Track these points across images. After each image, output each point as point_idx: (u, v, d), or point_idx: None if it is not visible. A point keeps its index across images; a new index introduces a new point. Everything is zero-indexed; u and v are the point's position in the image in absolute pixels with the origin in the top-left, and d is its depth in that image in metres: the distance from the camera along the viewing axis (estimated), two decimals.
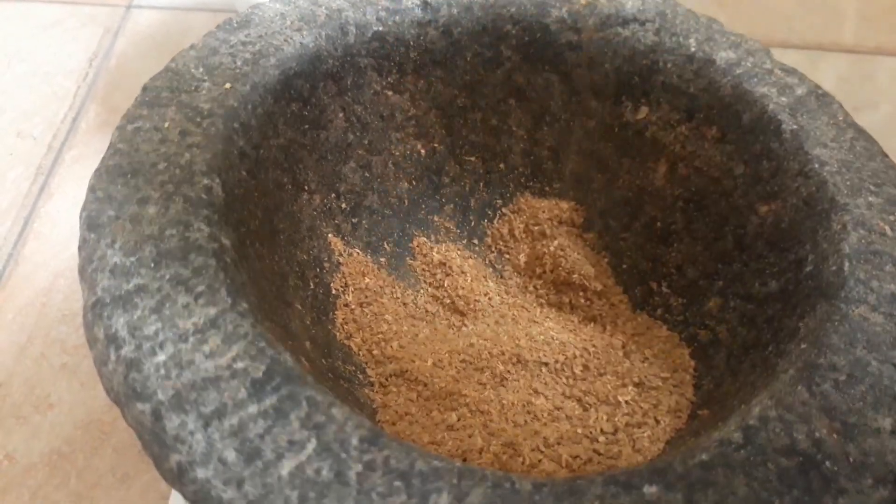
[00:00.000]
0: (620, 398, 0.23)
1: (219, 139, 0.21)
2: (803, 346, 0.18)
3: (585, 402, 0.23)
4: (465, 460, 0.20)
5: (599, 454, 0.21)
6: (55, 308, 0.33)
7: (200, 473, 0.15)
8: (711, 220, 0.26)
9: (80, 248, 0.19)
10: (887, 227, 0.21)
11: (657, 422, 0.22)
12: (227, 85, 0.22)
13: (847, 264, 0.20)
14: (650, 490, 0.15)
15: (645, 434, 0.21)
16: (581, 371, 0.24)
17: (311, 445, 0.15)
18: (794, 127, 0.23)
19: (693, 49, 0.26)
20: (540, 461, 0.20)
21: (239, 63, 0.23)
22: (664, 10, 0.27)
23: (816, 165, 0.22)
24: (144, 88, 0.22)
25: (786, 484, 0.16)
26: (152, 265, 0.18)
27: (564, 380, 0.24)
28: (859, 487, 0.16)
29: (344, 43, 0.25)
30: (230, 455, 0.15)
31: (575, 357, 0.25)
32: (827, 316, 0.19)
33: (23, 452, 0.29)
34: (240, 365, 0.16)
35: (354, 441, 0.15)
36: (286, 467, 0.15)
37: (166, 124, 0.21)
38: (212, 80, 0.22)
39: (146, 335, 0.17)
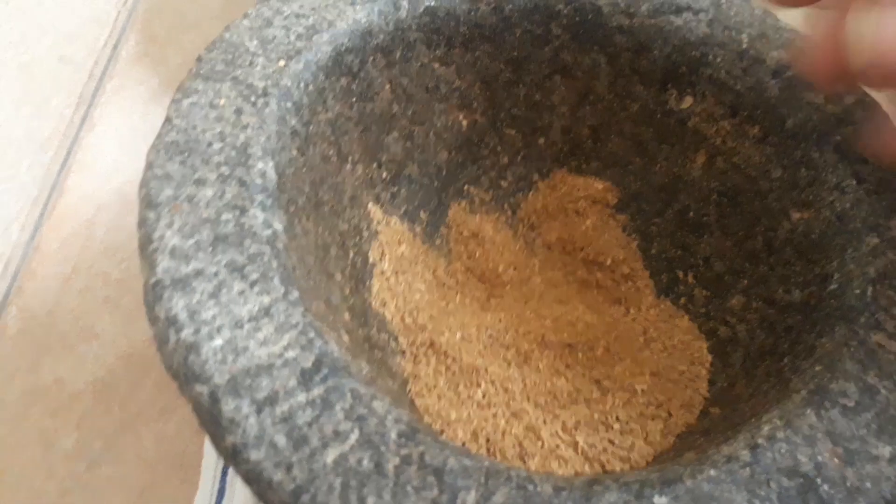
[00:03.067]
0: (637, 386, 0.24)
1: (272, 119, 0.21)
2: (818, 367, 0.19)
3: (604, 385, 0.25)
4: (488, 440, 0.22)
5: (613, 444, 0.22)
6: (98, 241, 0.35)
7: (253, 455, 0.16)
8: (744, 217, 0.26)
9: (139, 225, 0.20)
10: None
11: (669, 415, 0.23)
12: (281, 62, 0.23)
13: (871, 289, 0.20)
14: (660, 500, 0.17)
15: (658, 427, 0.23)
16: (602, 354, 0.26)
17: (354, 436, 0.17)
18: (838, 139, 0.24)
19: (745, 45, 0.26)
20: (558, 446, 0.22)
21: (292, 38, 0.23)
22: None
23: (854, 182, 0.23)
24: (199, 59, 0.23)
25: (784, 503, 0.17)
26: (209, 249, 0.19)
27: (586, 361, 0.26)
28: None
29: (396, 17, 0.25)
30: (280, 440, 0.17)
31: (598, 339, 0.26)
32: (844, 340, 0.20)
33: (70, 379, 0.31)
34: (290, 354, 0.18)
35: (393, 435, 0.17)
36: (331, 455, 0.16)
37: (221, 101, 0.22)
38: (266, 56, 0.23)
39: (204, 319, 0.18)
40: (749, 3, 0.27)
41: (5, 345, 0.31)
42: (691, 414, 0.23)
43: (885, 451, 0.18)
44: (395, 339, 0.25)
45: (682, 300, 0.27)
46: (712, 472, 0.17)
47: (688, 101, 0.27)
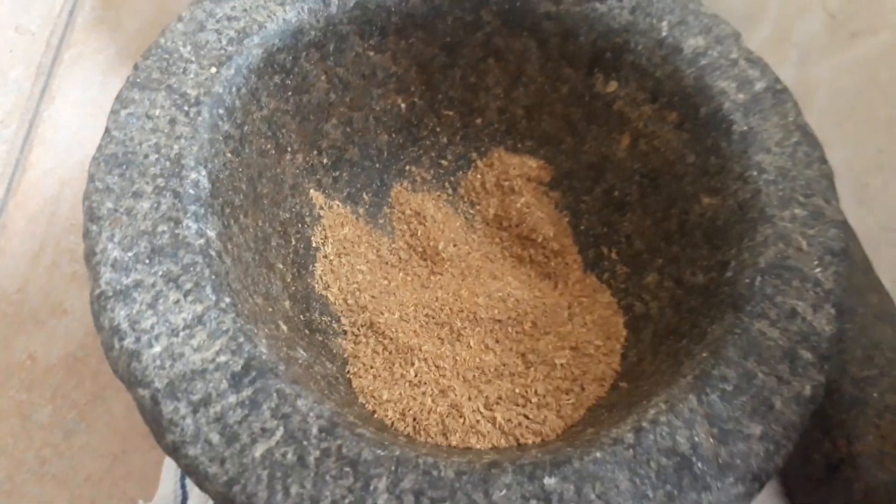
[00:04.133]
0: (557, 360, 0.26)
1: (205, 128, 0.23)
2: (704, 354, 0.22)
3: (528, 359, 0.27)
4: (414, 419, 0.24)
5: (528, 419, 0.25)
6: (63, 217, 0.36)
7: (190, 451, 0.19)
8: (662, 198, 0.28)
9: (84, 237, 0.21)
10: (804, 242, 0.23)
11: (582, 389, 0.25)
12: (213, 69, 0.24)
13: (759, 279, 0.22)
14: (549, 481, 0.19)
15: (570, 401, 0.25)
16: (530, 328, 0.28)
17: (279, 433, 0.19)
18: (744, 128, 0.25)
19: (664, 33, 0.27)
20: (478, 422, 0.24)
21: (224, 42, 0.24)
22: None
23: (755, 172, 0.24)
24: (136, 67, 0.24)
25: (661, 480, 0.19)
26: (147, 261, 0.21)
27: (514, 336, 0.28)
28: (721, 485, 0.19)
29: (326, 14, 0.26)
30: (214, 437, 0.19)
31: (526, 314, 0.28)
32: (731, 328, 0.22)
33: (42, 354, 0.33)
34: (222, 359, 0.20)
35: (314, 431, 0.19)
36: (259, 450, 0.19)
37: (157, 111, 0.23)
38: (198, 62, 0.24)
39: (143, 328, 0.20)
40: None
41: None
42: (602, 387, 0.25)
43: (756, 429, 0.20)
44: (338, 320, 0.27)
45: (606, 276, 0.29)
46: (598, 455, 0.20)
47: (613, 86, 0.28)
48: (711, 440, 0.20)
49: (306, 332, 0.25)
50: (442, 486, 0.19)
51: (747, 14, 0.45)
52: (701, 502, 0.19)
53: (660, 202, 0.28)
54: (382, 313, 0.27)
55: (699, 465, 0.20)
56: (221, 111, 0.23)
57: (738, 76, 0.26)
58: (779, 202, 0.24)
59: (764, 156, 0.25)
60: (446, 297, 0.28)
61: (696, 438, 0.20)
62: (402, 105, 0.30)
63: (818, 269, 0.23)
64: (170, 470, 0.30)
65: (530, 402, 0.25)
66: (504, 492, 0.19)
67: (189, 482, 0.30)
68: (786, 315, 0.22)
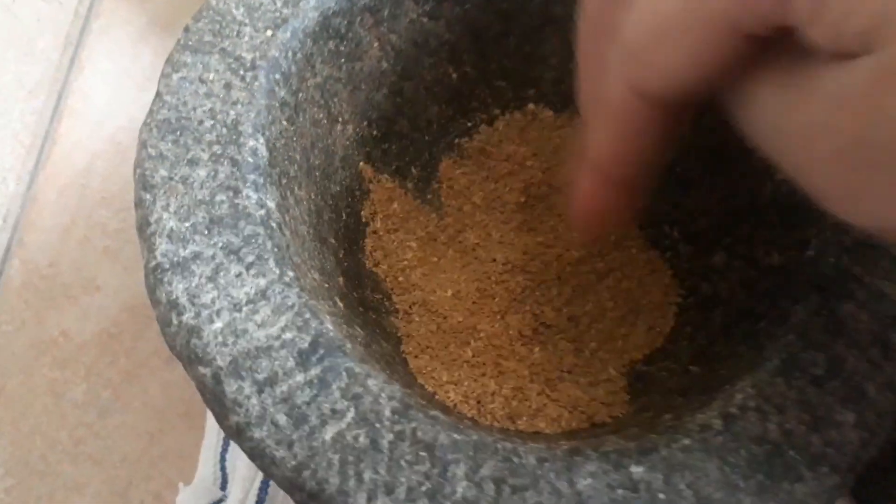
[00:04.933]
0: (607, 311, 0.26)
1: (262, 94, 0.22)
2: (790, 336, 0.20)
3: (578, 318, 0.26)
4: (479, 402, 0.23)
5: (595, 390, 0.24)
6: (95, 190, 0.35)
7: (256, 434, 0.18)
8: (729, 175, 0.26)
9: (136, 206, 0.20)
10: None
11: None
12: (269, 32, 0.22)
13: (845, 258, 0.21)
14: (636, 470, 0.18)
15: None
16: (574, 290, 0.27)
17: (351, 414, 0.18)
18: None
19: None
20: (545, 405, 0.23)
21: (279, 4, 0.23)
22: None
23: None
24: (186, 29, 0.22)
25: (753, 469, 0.18)
26: (206, 232, 0.19)
27: (563, 296, 0.27)
28: (815, 475, 0.18)
29: None
30: (281, 419, 0.18)
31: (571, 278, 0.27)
32: (817, 310, 0.21)
33: (76, 331, 0.32)
34: (288, 336, 0.19)
35: (387, 413, 0.18)
36: (329, 433, 0.18)
37: (211, 76, 0.22)
38: (252, 25, 0.23)
39: (203, 303, 0.19)
40: None
41: (10, 297, 0.32)
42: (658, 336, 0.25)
43: (850, 417, 0.19)
44: (389, 297, 0.26)
45: (668, 254, 0.28)
46: (686, 441, 0.18)
47: None
48: (803, 427, 0.19)
49: (360, 309, 0.24)
50: (524, 474, 0.18)
51: None
52: (794, 493, 0.18)
53: (727, 179, 0.26)
54: (435, 291, 0.26)
55: (791, 453, 0.19)
56: (278, 76, 0.22)
57: None
58: None
59: None
60: (497, 266, 0.27)
61: (788, 425, 0.19)
62: (454, 75, 0.29)
63: None
64: (209, 451, 0.29)
65: (585, 354, 0.24)
66: (589, 480, 0.18)
67: (229, 464, 0.29)
68: (874, 297, 0.21)
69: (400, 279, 0.27)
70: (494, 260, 0.28)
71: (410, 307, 0.26)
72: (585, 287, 0.28)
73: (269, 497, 0.27)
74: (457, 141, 0.30)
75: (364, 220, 0.27)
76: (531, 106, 0.30)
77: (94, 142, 0.36)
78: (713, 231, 0.27)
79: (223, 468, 0.29)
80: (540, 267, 0.28)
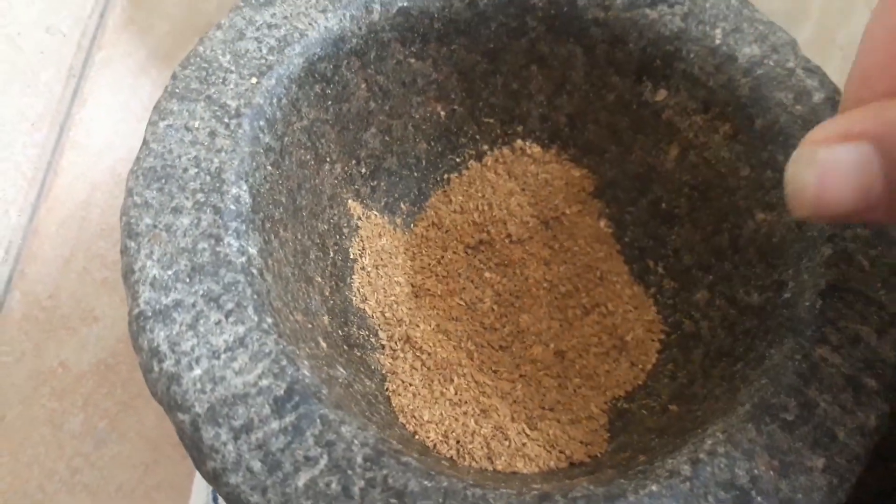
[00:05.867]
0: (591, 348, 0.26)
1: (246, 141, 0.22)
2: (763, 381, 0.21)
3: (565, 353, 0.27)
4: (458, 442, 0.23)
5: (575, 431, 0.24)
6: (94, 222, 0.36)
7: (232, 479, 0.18)
8: (713, 212, 0.27)
9: (122, 253, 0.21)
10: (867, 263, 0.22)
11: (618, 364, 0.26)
12: (253, 80, 0.23)
13: (820, 302, 0.21)
14: None
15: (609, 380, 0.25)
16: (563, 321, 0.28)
17: (323, 461, 0.18)
18: None
19: (718, 41, 0.26)
20: (524, 444, 0.23)
21: (264, 51, 0.24)
22: None
23: None
24: (174, 77, 0.23)
25: None
26: (187, 280, 0.20)
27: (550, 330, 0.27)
28: None
29: (368, 21, 0.25)
30: (256, 465, 0.18)
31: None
32: (791, 354, 0.21)
33: (74, 361, 0.33)
34: (264, 383, 0.19)
35: (359, 460, 0.18)
36: (302, 479, 0.18)
37: (196, 123, 0.22)
38: (238, 72, 0.23)
39: (184, 350, 0.19)
40: None
41: (11, 329, 0.33)
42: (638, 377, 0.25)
43: (819, 462, 0.19)
44: (376, 334, 0.27)
45: (652, 290, 0.28)
46: (654, 488, 0.19)
47: (662, 94, 0.27)
48: (772, 473, 0.19)
49: (345, 347, 0.25)
50: None
51: (789, 14, 0.44)
52: None
53: (710, 216, 0.27)
54: (419, 325, 0.27)
55: (759, 499, 0.19)
56: (262, 123, 0.23)
57: (796, 87, 0.25)
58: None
59: None
60: (483, 305, 0.28)
61: (756, 471, 0.19)
62: (442, 113, 0.29)
63: (882, 292, 0.22)
64: (201, 482, 0.30)
65: (571, 410, 0.25)
66: None
67: None
68: (849, 340, 0.21)
69: (387, 314, 0.27)
70: (482, 293, 0.29)
71: (396, 343, 0.27)
72: (572, 322, 0.28)
73: None
74: (446, 176, 0.31)
75: (352, 255, 0.28)
76: (519, 142, 0.30)
77: (94, 173, 0.37)
78: (697, 268, 0.27)
79: (215, 499, 0.30)
80: (528, 302, 0.29)
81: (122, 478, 0.30)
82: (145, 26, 0.42)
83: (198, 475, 0.30)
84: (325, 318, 0.25)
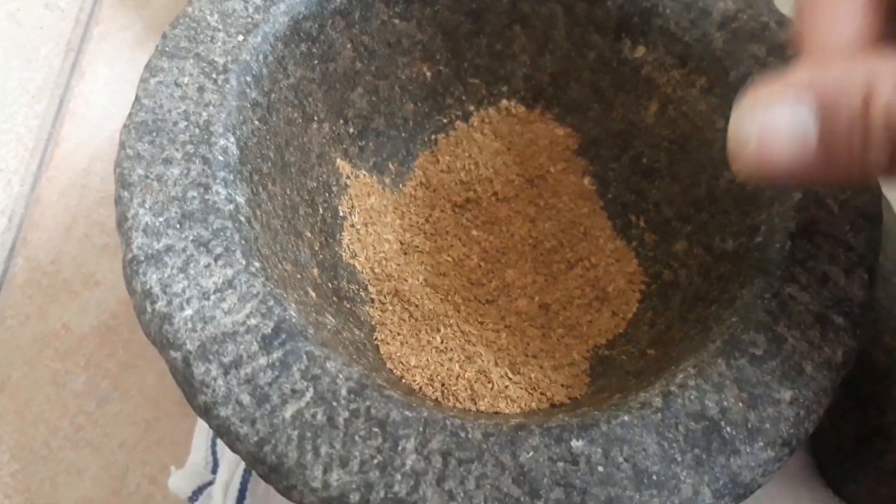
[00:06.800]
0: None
1: (233, 95, 0.23)
2: (734, 318, 0.21)
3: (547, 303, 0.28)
4: (443, 385, 0.24)
5: (556, 374, 0.25)
6: (94, 190, 0.37)
7: (222, 412, 0.19)
8: (691, 165, 0.27)
9: (116, 203, 0.21)
10: (836, 207, 0.23)
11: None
12: (240, 37, 0.24)
13: (790, 243, 0.22)
14: (576, 444, 0.19)
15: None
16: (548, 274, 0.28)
17: (309, 394, 0.19)
18: None
19: None
20: (507, 387, 0.24)
21: (250, 10, 0.24)
22: None
23: None
24: (164, 36, 0.24)
25: (690, 444, 0.19)
26: (178, 226, 0.21)
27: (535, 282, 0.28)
28: (750, 449, 0.19)
29: None
30: (245, 398, 0.19)
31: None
32: (760, 293, 0.22)
33: (76, 323, 0.34)
34: (252, 322, 0.20)
35: (343, 392, 0.19)
36: (289, 411, 0.19)
37: (185, 79, 0.23)
38: (225, 31, 0.24)
39: (175, 292, 0.20)
40: None
41: (15, 293, 0.34)
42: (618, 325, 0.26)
43: (787, 394, 0.20)
44: (365, 288, 0.28)
45: (634, 244, 0.29)
46: (626, 418, 0.20)
47: (640, 51, 0.28)
48: (741, 404, 0.20)
49: (334, 299, 0.26)
50: (469, 448, 0.19)
51: None
52: (730, 466, 0.19)
53: (689, 169, 0.27)
54: (406, 280, 0.28)
55: (728, 429, 0.20)
56: (249, 79, 0.24)
57: (769, 40, 0.26)
58: None
59: None
60: (470, 261, 0.29)
61: (726, 403, 0.20)
62: (428, 73, 0.30)
63: (850, 234, 0.22)
64: (201, 437, 0.31)
65: (554, 357, 0.26)
66: (531, 453, 0.19)
67: (220, 449, 0.31)
68: (817, 279, 0.22)
69: (376, 270, 0.28)
70: (470, 250, 0.30)
71: (385, 296, 0.27)
72: (556, 276, 0.29)
73: (252, 478, 0.28)
74: (433, 137, 0.31)
75: (341, 213, 0.28)
76: (504, 102, 0.31)
77: (94, 144, 0.38)
78: (676, 220, 0.28)
79: (214, 453, 0.31)
80: (514, 258, 0.29)
81: (124, 434, 0.31)
82: (141, 1, 0.43)
83: (197, 431, 0.31)
84: (315, 271, 0.26)
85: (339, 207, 0.28)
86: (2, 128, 0.38)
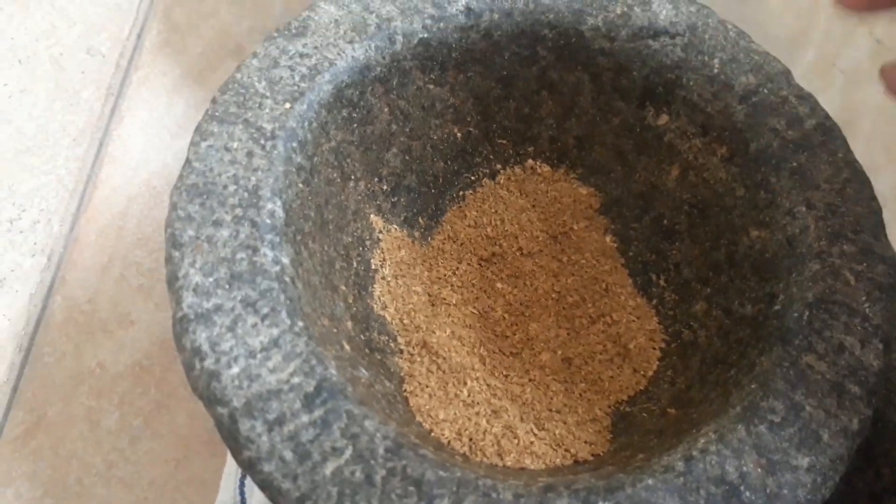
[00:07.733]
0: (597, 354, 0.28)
1: (280, 161, 0.24)
2: (753, 385, 0.22)
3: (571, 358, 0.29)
4: (470, 439, 0.25)
5: (578, 431, 0.26)
6: (130, 232, 0.38)
7: (265, 468, 0.20)
8: (711, 229, 0.29)
9: (166, 262, 0.23)
10: (853, 278, 0.24)
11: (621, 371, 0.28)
12: (287, 105, 0.25)
13: (807, 313, 0.23)
14: None
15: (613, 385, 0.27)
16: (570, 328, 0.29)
17: (349, 452, 0.20)
18: (794, 165, 0.26)
19: (716, 70, 0.28)
20: (532, 443, 0.25)
21: (297, 78, 0.26)
22: (696, 22, 0.29)
23: (804, 208, 0.25)
24: (214, 101, 0.25)
25: None
26: (227, 286, 0.22)
27: (555, 337, 0.29)
28: None
29: (392, 51, 0.27)
30: (287, 455, 0.20)
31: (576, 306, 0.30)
32: (779, 361, 0.23)
33: (111, 362, 0.35)
34: (296, 380, 0.21)
35: (381, 451, 0.20)
36: (329, 468, 0.20)
37: (235, 144, 0.24)
38: (273, 98, 0.25)
39: (223, 350, 0.21)
40: (723, 28, 0.28)
41: (52, 331, 0.35)
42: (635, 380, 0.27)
43: (804, 461, 0.21)
44: (395, 339, 0.29)
45: (654, 301, 0.30)
46: (650, 482, 0.20)
47: (664, 119, 0.29)
48: (760, 470, 0.21)
49: (366, 350, 0.27)
50: None
51: (792, 39, 0.46)
52: None
53: (708, 232, 0.29)
54: (434, 332, 0.29)
55: (748, 493, 0.20)
56: (295, 144, 0.25)
57: (789, 113, 0.27)
58: (828, 238, 0.24)
59: (813, 192, 0.25)
60: (495, 314, 0.30)
61: (745, 468, 0.21)
62: (458, 134, 0.32)
63: (866, 305, 0.23)
64: (230, 477, 0.32)
65: (576, 412, 0.26)
66: None
67: (248, 489, 0.31)
68: (834, 349, 0.23)
69: (405, 321, 0.29)
70: (495, 303, 0.31)
71: (413, 348, 0.28)
72: (578, 330, 0.30)
73: None
74: (461, 193, 0.33)
75: (374, 266, 0.30)
76: (530, 162, 0.32)
77: (131, 186, 0.40)
78: (696, 281, 0.29)
79: (242, 493, 0.32)
80: (538, 311, 0.30)
81: (154, 472, 0.32)
82: (180, 48, 0.45)
83: (226, 471, 0.32)
84: (349, 324, 0.27)
85: (372, 261, 0.30)
86: (43, 169, 0.40)
